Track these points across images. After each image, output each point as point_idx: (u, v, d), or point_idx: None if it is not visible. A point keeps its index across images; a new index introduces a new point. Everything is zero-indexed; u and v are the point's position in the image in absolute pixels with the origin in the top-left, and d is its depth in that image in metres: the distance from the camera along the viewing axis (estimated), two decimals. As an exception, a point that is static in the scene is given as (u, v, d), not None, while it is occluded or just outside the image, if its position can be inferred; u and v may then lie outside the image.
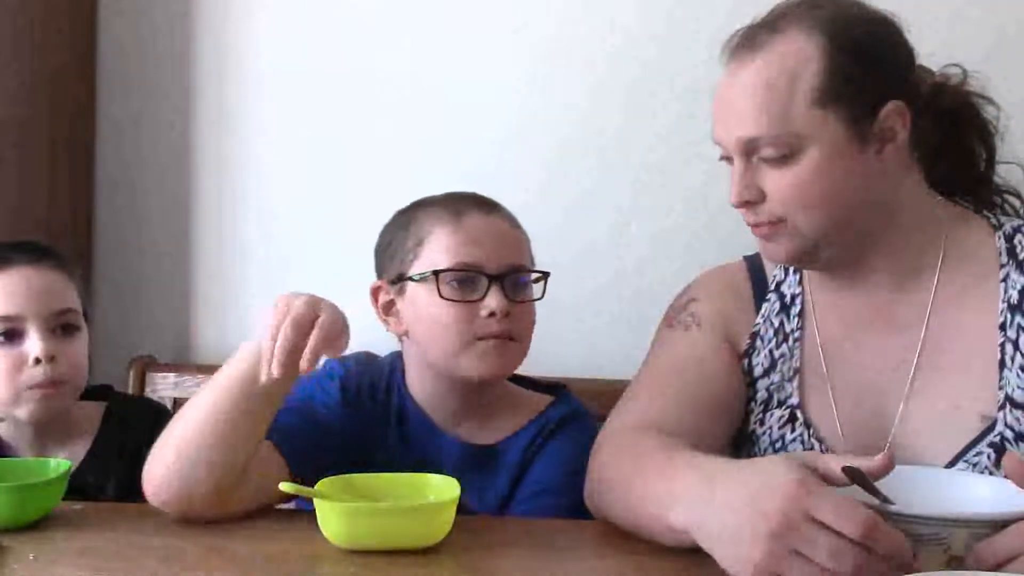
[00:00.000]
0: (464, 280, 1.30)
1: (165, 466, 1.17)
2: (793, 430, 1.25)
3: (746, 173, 1.19)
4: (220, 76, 2.02)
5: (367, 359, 1.42)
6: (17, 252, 1.42)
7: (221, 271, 2.03)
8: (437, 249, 1.32)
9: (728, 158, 1.21)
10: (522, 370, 1.42)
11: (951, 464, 1.15)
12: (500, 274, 1.31)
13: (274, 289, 1.99)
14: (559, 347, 1.90)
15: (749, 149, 1.18)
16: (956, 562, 0.90)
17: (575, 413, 1.40)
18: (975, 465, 1.14)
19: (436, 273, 1.30)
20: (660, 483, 1.06)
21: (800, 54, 1.16)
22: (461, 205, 1.34)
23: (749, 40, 1.20)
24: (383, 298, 1.37)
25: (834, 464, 0.93)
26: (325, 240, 1.97)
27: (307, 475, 1.20)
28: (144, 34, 2.03)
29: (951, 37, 1.79)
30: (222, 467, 1.16)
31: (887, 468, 0.93)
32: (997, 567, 0.88)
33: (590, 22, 1.92)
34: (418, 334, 1.34)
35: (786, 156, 1.16)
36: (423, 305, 1.32)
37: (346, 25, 1.98)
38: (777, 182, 1.17)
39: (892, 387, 1.21)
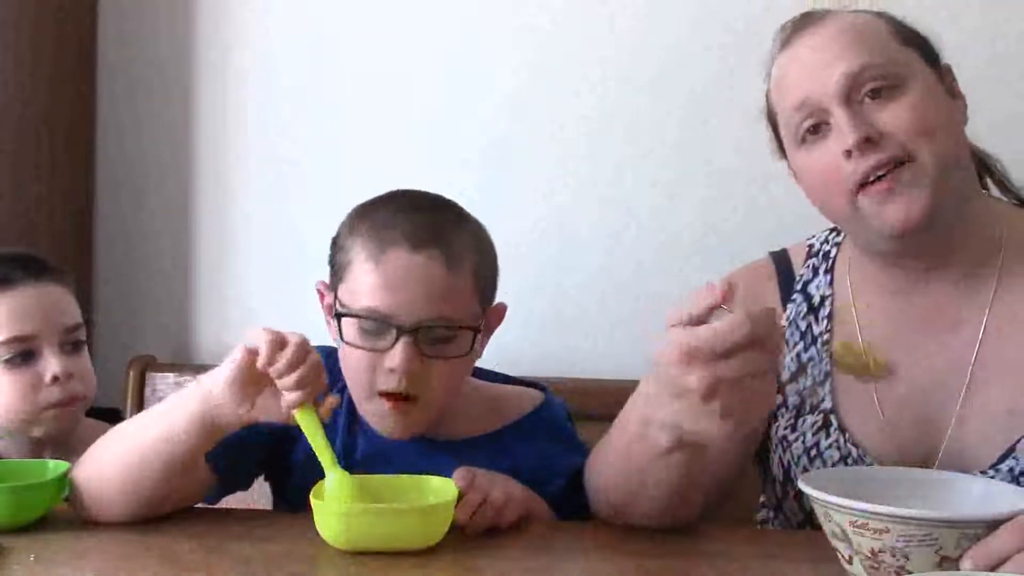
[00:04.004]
0: (371, 328, 1.17)
1: (106, 488, 1.15)
2: (828, 436, 1.22)
3: (856, 114, 1.13)
4: (220, 76, 2.02)
5: (324, 357, 1.31)
6: (16, 269, 1.40)
7: (221, 271, 2.04)
8: (353, 284, 1.18)
9: (813, 127, 1.16)
10: (519, 371, 1.42)
11: (999, 461, 1.14)
12: (413, 328, 1.16)
13: (274, 289, 2.02)
14: (562, 348, 1.90)
15: (853, 86, 1.13)
16: (948, 563, 0.90)
17: (559, 420, 1.35)
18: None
19: (339, 316, 1.19)
20: (627, 423, 1.08)
21: (868, 18, 1.20)
22: (389, 237, 1.17)
23: (810, 15, 1.21)
24: (326, 299, 1.26)
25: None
26: (325, 240, 1.97)
27: (234, 476, 1.22)
28: (144, 33, 2.04)
29: (952, 38, 1.79)
30: (162, 489, 1.15)
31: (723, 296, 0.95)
32: (992, 568, 0.88)
33: (594, 24, 1.92)
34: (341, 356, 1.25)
35: (894, 86, 1.13)
36: (337, 335, 1.21)
37: (346, 24, 1.98)
38: (893, 113, 1.13)
39: (947, 387, 1.18)
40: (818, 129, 1.16)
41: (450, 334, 1.18)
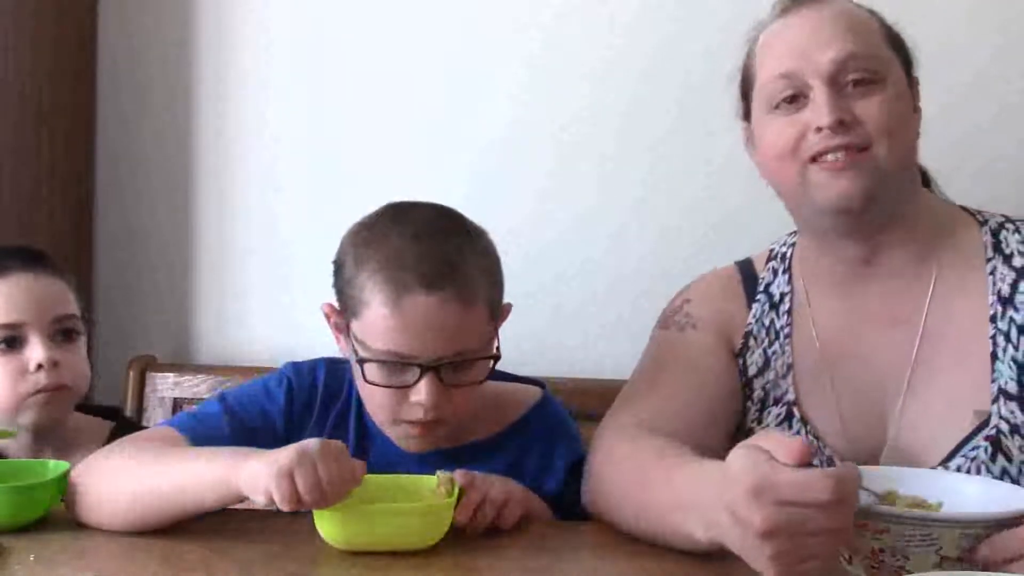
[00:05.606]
0: (394, 366, 1.20)
1: (112, 508, 1.16)
2: (791, 427, 1.25)
3: (839, 96, 1.18)
4: (220, 76, 2.02)
5: (328, 367, 1.35)
6: (13, 259, 1.42)
7: (221, 271, 2.04)
8: (370, 326, 1.19)
9: (790, 97, 1.20)
10: (519, 371, 1.42)
11: (947, 459, 1.16)
12: (434, 364, 1.19)
13: (274, 289, 2.02)
14: (561, 348, 1.90)
15: (840, 71, 1.18)
16: (947, 563, 0.90)
17: (559, 416, 1.36)
18: (972, 460, 1.15)
19: (361, 361, 1.21)
20: (667, 493, 1.04)
21: (862, 11, 1.25)
22: (404, 281, 1.17)
23: None
24: (334, 319, 1.28)
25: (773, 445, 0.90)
26: (325, 240, 1.97)
27: None
28: (145, 33, 2.04)
29: (953, 37, 1.80)
30: (168, 521, 1.16)
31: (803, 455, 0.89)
32: (998, 567, 0.88)
33: (594, 22, 1.92)
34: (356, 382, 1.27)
35: (874, 81, 1.19)
36: (356, 369, 1.23)
37: (346, 24, 1.98)
38: (870, 105, 1.18)
39: (892, 382, 1.22)
40: (795, 100, 1.21)
41: (469, 365, 1.22)
